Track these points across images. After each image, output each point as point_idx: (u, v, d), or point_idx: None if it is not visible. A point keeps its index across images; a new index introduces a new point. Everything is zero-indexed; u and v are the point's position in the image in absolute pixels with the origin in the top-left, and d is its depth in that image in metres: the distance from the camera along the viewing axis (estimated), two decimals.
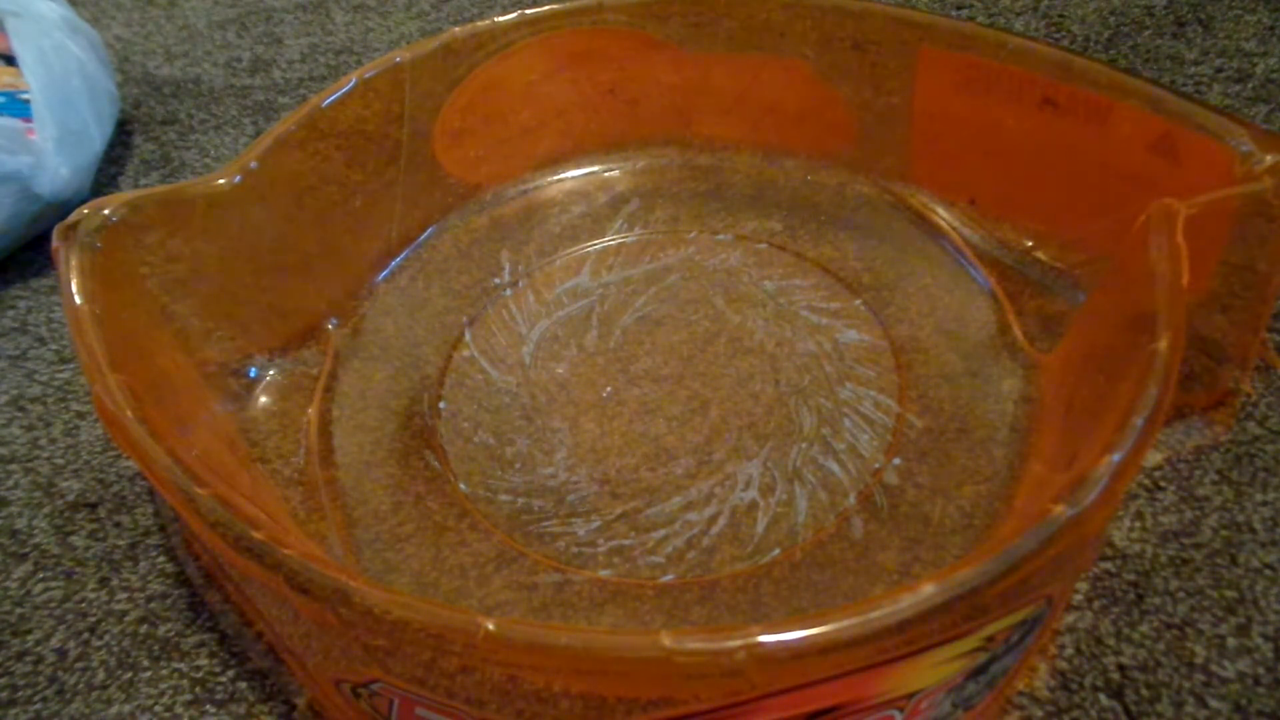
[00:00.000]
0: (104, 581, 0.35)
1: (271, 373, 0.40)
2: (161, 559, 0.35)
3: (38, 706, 0.32)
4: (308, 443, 0.38)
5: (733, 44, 0.46)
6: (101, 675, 0.32)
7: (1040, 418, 0.36)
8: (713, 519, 0.34)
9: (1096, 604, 0.31)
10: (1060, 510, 0.23)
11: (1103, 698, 0.29)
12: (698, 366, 0.40)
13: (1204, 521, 0.33)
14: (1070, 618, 0.31)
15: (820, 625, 0.21)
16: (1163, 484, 0.34)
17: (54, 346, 0.45)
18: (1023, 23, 0.58)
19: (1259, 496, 0.33)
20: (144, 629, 0.33)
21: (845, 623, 0.21)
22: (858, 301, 0.41)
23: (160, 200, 0.36)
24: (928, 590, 0.21)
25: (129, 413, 0.28)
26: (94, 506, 0.37)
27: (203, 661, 0.32)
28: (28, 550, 0.36)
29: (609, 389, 0.39)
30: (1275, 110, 0.49)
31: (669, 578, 0.33)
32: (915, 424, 0.36)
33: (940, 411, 0.37)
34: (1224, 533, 0.33)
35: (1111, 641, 0.30)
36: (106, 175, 0.54)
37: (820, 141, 0.47)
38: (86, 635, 0.33)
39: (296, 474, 0.37)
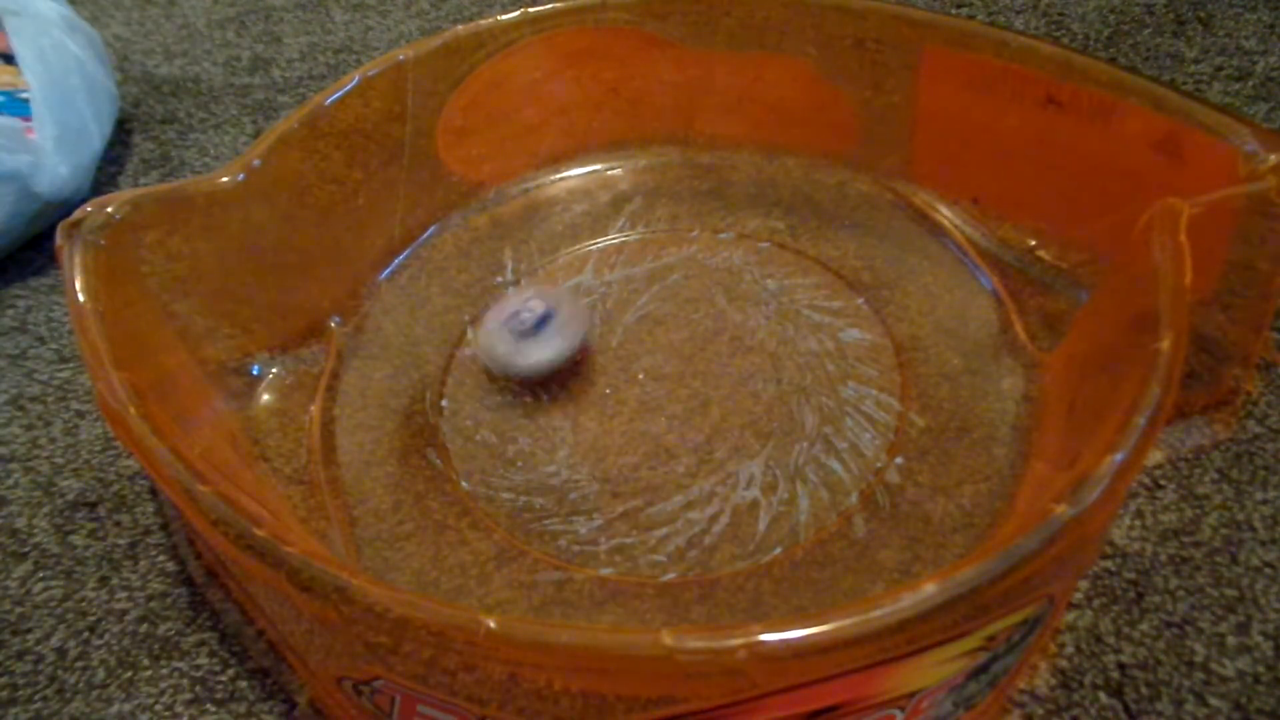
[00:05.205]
0: (104, 580, 0.35)
1: (274, 371, 0.40)
2: (161, 558, 0.35)
3: (38, 705, 0.32)
4: (309, 441, 0.38)
5: (734, 42, 0.46)
6: (102, 674, 0.32)
7: (1042, 417, 0.36)
8: (714, 517, 0.34)
9: (1097, 602, 0.31)
10: (1062, 510, 0.23)
11: (1103, 696, 0.29)
12: (699, 365, 0.40)
13: (1204, 520, 0.33)
14: (1070, 616, 0.31)
15: (821, 624, 0.21)
16: (1163, 482, 0.34)
17: (54, 346, 0.45)
18: (1023, 21, 0.58)
19: (1259, 495, 0.33)
20: (144, 628, 0.33)
21: (846, 622, 0.21)
22: (859, 300, 0.41)
23: (163, 198, 0.36)
24: (929, 589, 0.21)
25: (132, 410, 0.28)
26: (94, 505, 0.37)
27: (203, 660, 0.32)
28: (28, 549, 0.36)
29: (610, 387, 0.39)
30: (1275, 108, 0.49)
31: (670, 576, 0.33)
32: (917, 423, 0.36)
33: (942, 410, 0.37)
34: (1224, 531, 0.33)
35: (1112, 640, 0.30)
36: (106, 174, 0.54)
37: (822, 140, 0.47)
38: (86, 634, 0.33)
39: (298, 472, 0.37)
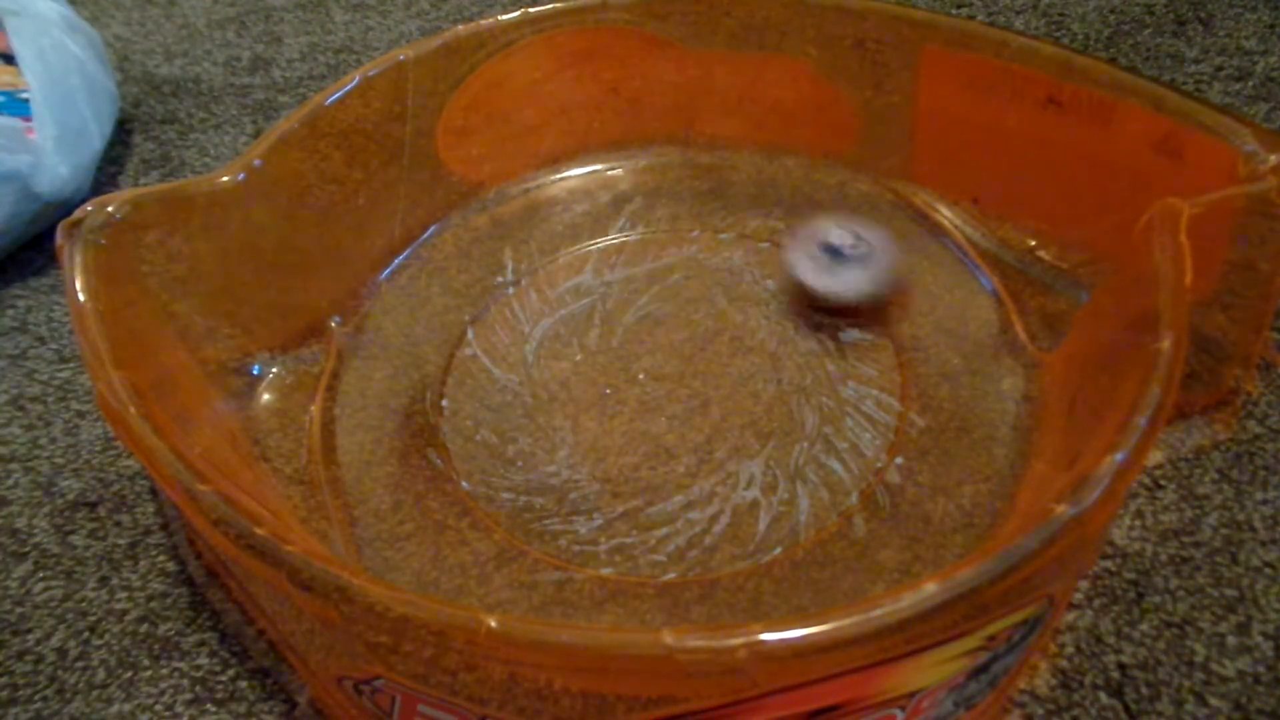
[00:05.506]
0: (104, 580, 0.35)
1: (274, 371, 0.40)
2: (162, 558, 0.35)
3: (38, 705, 0.31)
4: (309, 441, 0.38)
5: (734, 42, 0.46)
6: (102, 674, 0.32)
7: (1042, 417, 0.36)
8: (714, 518, 0.34)
9: (1097, 602, 0.31)
10: (1062, 510, 0.23)
11: (1103, 696, 0.29)
12: (699, 365, 0.40)
13: (1204, 520, 0.33)
14: (1070, 616, 0.31)
15: (821, 624, 0.21)
16: (1163, 482, 0.34)
17: (54, 346, 0.45)
18: (1023, 21, 0.58)
19: (1259, 495, 0.33)
20: (144, 628, 0.33)
21: (846, 621, 0.21)
22: None
23: (164, 198, 0.36)
24: (929, 589, 0.21)
25: (132, 410, 0.28)
26: (94, 505, 0.37)
27: (203, 660, 0.32)
28: (28, 549, 0.36)
29: (610, 387, 0.39)
30: (1275, 109, 0.49)
31: (670, 576, 0.33)
32: (917, 423, 0.36)
33: (942, 410, 0.37)
34: (1224, 531, 0.33)
35: (1112, 640, 0.30)
36: (106, 174, 0.54)
37: (822, 140, 0.47)
38: (87, 634, 0.33)
39: (298, 472, 0.37)
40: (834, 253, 0.38)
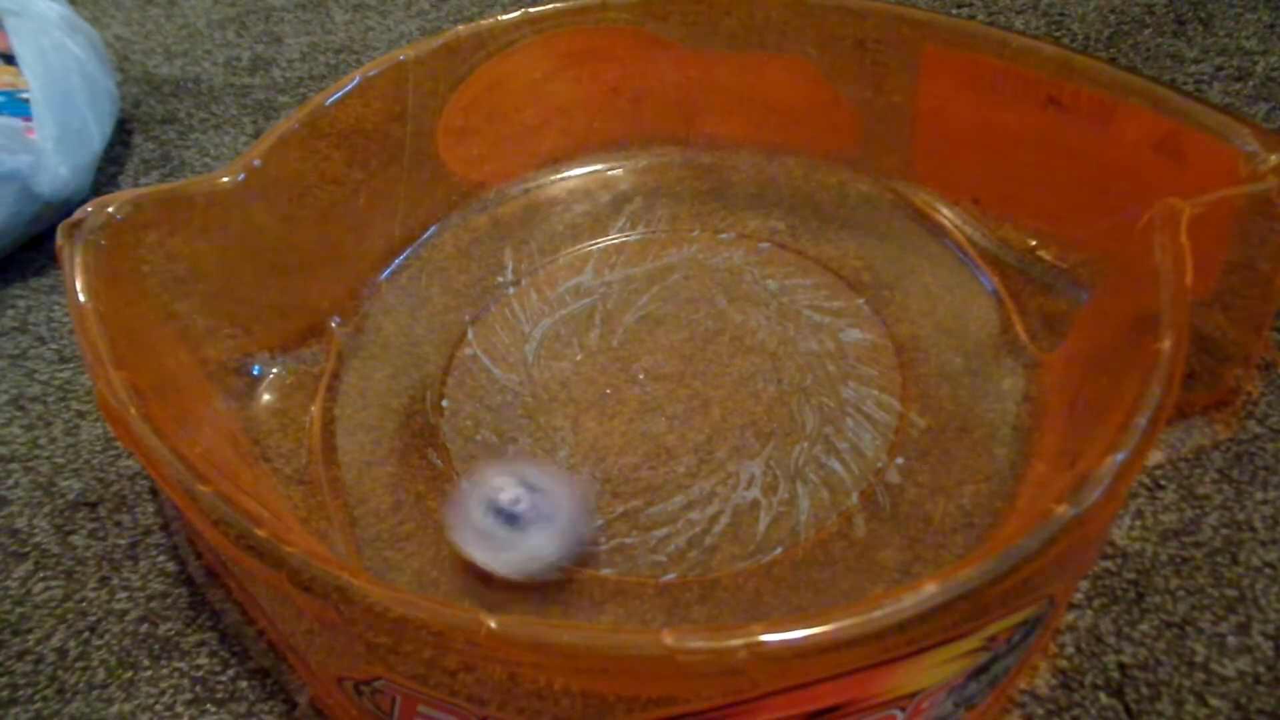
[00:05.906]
0: (104, 581, 0.35)
1: (275, 371, 0.40)
2: (162, 558, 0.35)
3: (38, 705, 0.31)
4: (310, 441, 0.38)
5: (734, 42, 0.46)
6: (102, 674, 0.32)
7: (1042, 417, 0.36)
8: (714, 518, 0.34)
9: (1097, 602, 0.31)
10: (1063, 510, 0.23)
11: (1103, 696, 0.29)
12: (699, 365, 0.40)
13: (1204, 520, 0.33)
14: (1070, 616, 0.31)
15: (822, 624, 0.21)
16: (1163, 482, 0.34)
17: (54, 346, 0.45)
18: (1023, 21, 0.58)
19: (1259, 495, 0.33)
20: (144, 628, 0.33)
21: (847, 622, 0.21)
22: (860, 300, 0.41)
23: (164, 198, 0.36)
24: (929, 590, 0.21)
25: (133, 410, 0.28)
26: (94, 505, 0.37)
27: (203, 660, 0.32)
28: (28, 549, 0.36)
29: (610, 387, 0.39)
30: (1276, 109, 0.49)
31: (670, 576, 0.33)
32: (917, 423, 0.36)
33: (942, 410, 0.37)
34: (1224, 531, 0.33)
35: (1112, 640, 0.30)
36: (106, 174, 0.54)
37: (822, 140, 0.47)
38: (87, 634, 0.33)
39: (298, 472, 0.37)
40: (505, 517, 0.30)
